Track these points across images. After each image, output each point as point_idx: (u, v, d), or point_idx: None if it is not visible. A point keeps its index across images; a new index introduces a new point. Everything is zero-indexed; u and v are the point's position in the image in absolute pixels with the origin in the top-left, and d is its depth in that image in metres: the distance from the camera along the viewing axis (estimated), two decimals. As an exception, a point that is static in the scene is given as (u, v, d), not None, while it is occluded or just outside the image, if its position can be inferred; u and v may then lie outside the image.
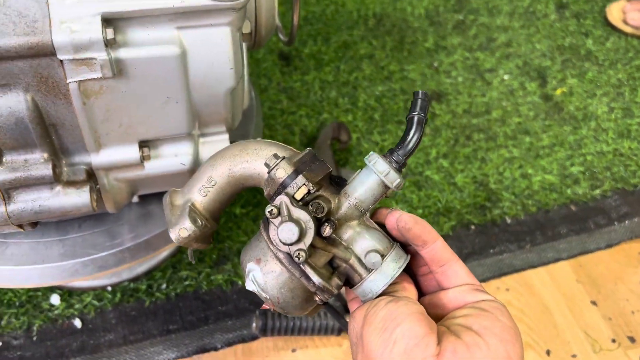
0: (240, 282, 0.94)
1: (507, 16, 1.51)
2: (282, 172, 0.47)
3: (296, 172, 0.47)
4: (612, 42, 1.42)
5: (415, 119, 0.48)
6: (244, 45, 0.64)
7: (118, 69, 0.53)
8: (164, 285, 0.91)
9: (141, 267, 0.89)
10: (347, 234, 0.48)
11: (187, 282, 0.92)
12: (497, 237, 1.04)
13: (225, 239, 0.99)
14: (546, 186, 1.12)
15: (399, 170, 0.48)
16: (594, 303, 0.96)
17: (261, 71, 1.31)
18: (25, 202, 0.56)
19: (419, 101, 0.48)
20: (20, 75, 0.51)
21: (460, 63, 1.37)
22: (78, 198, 0.57)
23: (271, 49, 1.37)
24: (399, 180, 0.47)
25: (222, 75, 0.57)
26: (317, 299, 0.47)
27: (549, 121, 1.24)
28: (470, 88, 1.31)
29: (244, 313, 0.90)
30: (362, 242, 0.47)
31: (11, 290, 0.87)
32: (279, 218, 0.44)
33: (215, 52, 0.55)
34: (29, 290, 0.87)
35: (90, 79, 0.52)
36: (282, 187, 0.47)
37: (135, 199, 0.69)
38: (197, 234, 0.50)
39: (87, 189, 0.57)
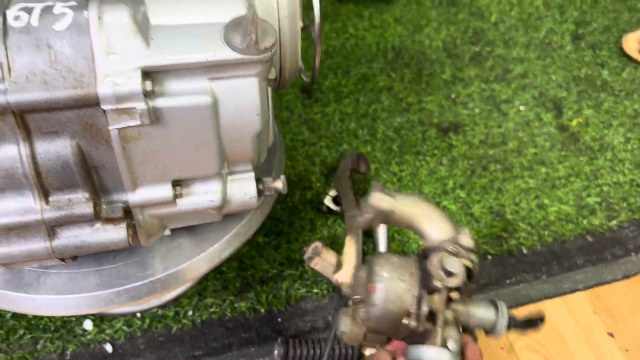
0: (262, 310, 0.97)
1: (523, 48, 1.54)
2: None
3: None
4: (628, 73, 1.44)
5: None
6: (269, 89, 0.69)
7: (155, 117, 0.57)
8: (190, 312, 0.95)
9: (169, 294, 0.93)
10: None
11: (212, 309, 0.96)
12: (514, 268, 1.06)
13: (249, 267, 1.03)
14: (562, 217, 1.13)
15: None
16: (610, 334, 0.97)
17: (283, 104, 1.36)
18: (68, 238, 0.61)
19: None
20: (67, 124, 0.56)
21: (477, 94, 1.40)
22: (116, 234, 0.62)
23: (293, 82, 1.42)
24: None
25: (250, 120, 0.61)
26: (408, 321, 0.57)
27: (565, 152, 1.26)
28: (487, 119, 1.34)
29: (266, 340, 0.93)
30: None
31: (47, 315, 0.92)
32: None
33: (243, 100, 0.60)
34: (63, 315, 0.92)
35: (130, 126, 0.57)
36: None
37: (167, 232, 0.74)
38: None
39: (124, 225, 0.62)
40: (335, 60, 1.49)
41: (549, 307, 1.00)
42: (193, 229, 0.78)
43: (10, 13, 0.54)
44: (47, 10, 0.54)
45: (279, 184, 0.72)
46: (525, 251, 1.09)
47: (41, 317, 0.92)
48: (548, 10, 1.65)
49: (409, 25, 1.63)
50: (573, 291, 1.02)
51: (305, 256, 0.94)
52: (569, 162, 1.24)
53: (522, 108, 1.37)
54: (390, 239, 1.09)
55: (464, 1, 1.72)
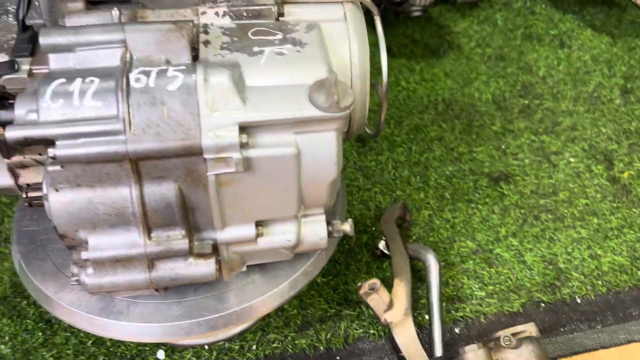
0: (321, 348, 1.02)
1: (571, 101, 1.59)
2: None
3: None
4: (680, 127, 1.46)
5: None
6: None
7: (247, 165, 0.66)
8: (254, 347, 1.01)
9: (236, 328, 1.00)
10: None
11: (274, 345, 1.02)
12: (568, 316, 1.08)
13: (309, 306, 1.08)
14: (616, 267, 1.15)
15: None
16: (669, 387, 0.97)
17: (340, 152, 1.44)
18: (165, 270, 0.69)
19: None
20: (173, 170, 0.65)
21: (527, 145, 1.45)
22: (206, 268, 0.69)
23: (349, 131, 1.50)
24: None
25: (328, 169, 0.69)
26: None
27: (616, 203, 1.28)
28: (537, 170, 1.38)
29: (325, 377, 0.98)
30: None
31: (123, 343, 0.99)
32: None
33: (323, 151, 0.68)
34: (139, 344, 0.99)
35: (225, 173, 0.65)
36: None
37: (243, 268, 0.81)
38: None
39: (213, 260, 0.69)
40: (389, 112, 1.57)
41: (604, 357, 1.01)
42: (265, 266, 0.85)
43: (132, 76, 0.64)
44: (161, 73, 0.64)
45: (347, 227, 0.79)
46: (579, 300, 1.10)
47: (119, 345, 0.99)
48: (596, 65, 1.69)
49: (458, 78, 1.71)
50: (629, 342, 1.02)
51: (362, 291, 0.99)
52: (621, 213, 1.26)
53: (572, 160, 1.40)
54: (443, 283, 1.13)
55: (512, 56, 1.79)
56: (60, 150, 0.60)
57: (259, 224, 0.73)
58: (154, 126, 0.62)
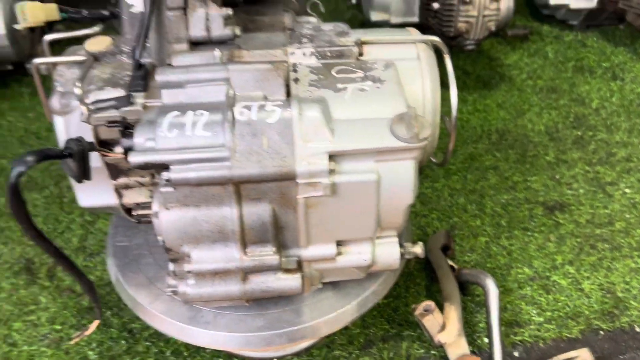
0: (384, 365, 1.07)
1: (625, 132, 1.61)
2: None
3: None
4: None
5: None
6: (414, 169, 0.83)
7: (333, 189, 0.73)
8: (321, 362, 1.07)
9: (304, 343, 1.06)
10: None
11: (339, 361, 1.07)
12: (627, 345, 1.09)
13: (371, 325, 1.14)
14: (676, 297, 1.16)
15: None
16: None
17: (397, 179, 1.50)
18: (257, 283, 0.76)
19: None
20: (268, 192, 0.73)
21: (581, 176, 1.48)
22: (292, 282, 0.76)
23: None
24: None
25: (405, 194, 0.75)
26: None
27: (675, 234, 1.29)
28: (592, 200, 1.40)
29: (389, 393, 1.02)
30: None
31: (199, 354, 1.07)
32: None
33: (401, 178, 0.74)
34: (213, 355, 1.06)
35: (313, 196, 0.73)
36: None
37: (319, 285, 0.87)
38: None
39: (298, 275, 0.76)
40: (444, 141, 1.62)
41: (666, 386, 1.02)
42: (337, 284, 0.91)
43: (236, 110, 0.72)
44: (261, 108, 0.73)
45: (418, 249, 0.85)
46: (638, 329, 1.12)
47: (194, 356, 1.07)
48: (650, 98, 1.71)
49: (511, 109, 1.76)
50: (691, 372, 1.03)
51: (417, 312, 1.04)
52: (680, 244, 1.27)
53: (627, 190, 1.42)
54: (502, 309, 1.16)
55: (564, 88, 1.83)
56: (174, 173, 0.69)
57: (339, 243, 0.79)
58: (255, 154, 0.70)
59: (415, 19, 1.89)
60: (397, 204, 0.77)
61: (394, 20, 1.89)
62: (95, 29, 0.90)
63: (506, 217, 1.38)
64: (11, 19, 1.83)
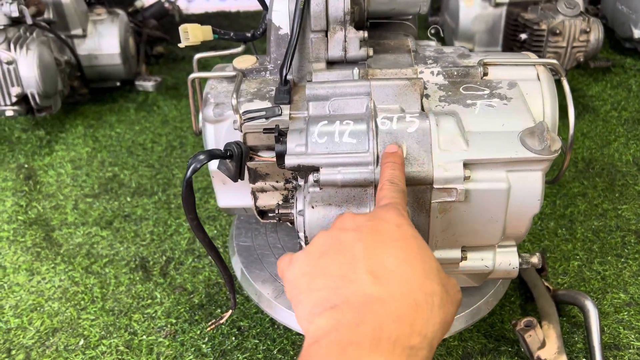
0: (484, 378, 1.09)
1: None
2: None
3: None
4: None
5: None
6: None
7: (466, 196, 0.78)
8: None
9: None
10: None
11: None
12: None
13: (468, 339, 1.16)
14: None
15: None
16: None
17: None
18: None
19: None
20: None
21: (675, 206, 1.47)
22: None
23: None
24: None
25: (532, 204, 0.80)
26: None
27: None
28: (689, 230, 1.39)
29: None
30: None
31: (303, 355, 1.12)
32: None
33: (530, 188, 0.79)
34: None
35: (446, 201, 0.78)
36: None
37: (436, 290, 0.92)
38: None
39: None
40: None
41: None
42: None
43: (379, 120, 0.79)
44: (401, 119, 0.79)
45: (535, 259, 0.88)
46: None
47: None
48: None
49: (596, 139, 1.77)
50: None
51: (518, 327, 1.06)
52: None
53: None
54: (601, 329, 1.17)
55: (651, 125, 1.82)
56: (323, 175, 0.77)
57: (463, 249, 0.84)
58: (395, 159, 0.77)
59: (498, 49, 1.94)
60: (524, 213, 0.81)
61: (477, 50, 1.95)
62: (239, 49, 1.01)
63: (598, 243, 1.39)
64: (124, 41, 2.00)
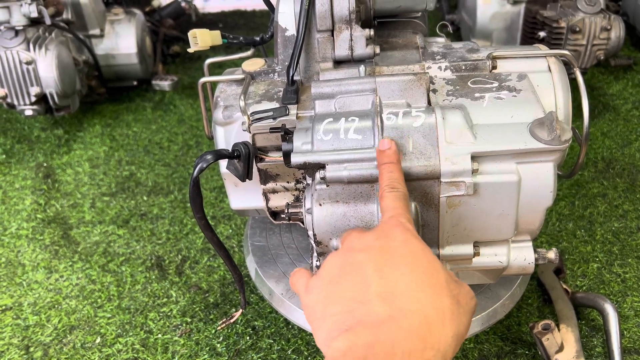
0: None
1: None
2: None
3: None
4: None
5: None
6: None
7: (475, 189, 0.77)
8: None
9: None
10: None
11: None
12: None
13: (484, 341, 1.14)
14: None
15: None
16: None
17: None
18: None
19: None
20: (412, 191, 0.78)
21: (700, 206, 1.43)
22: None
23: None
24: None
25: (544, 196, 0.78)
26: None
27: None
28: None
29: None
30: None
31: (319, 354, 1.11)
32: None
33: (541, 180, 0.77)
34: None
35: (455, 195, 0.77)
36: None
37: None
38: None
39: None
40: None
41: None
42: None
43: (384, 116, 0.79)
44: (406, 114, 0.79)
45: (552, 254, 0.86)
46: None
47: (314, 356, 1.12)
48: None
49: (617, 138, 1.73)
50: None
51: (535, 330, 1.04)
52: None
53: None
54: (621, 333, 1.14)
55: (675, 118, 1.78)
56: (329, 172, 0.76)
57: (475, 244, 0.83)
58: (401, 154, 0.76)
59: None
60: (536, 206, 0.79)
61: (495, 49, 1.93)
62: (248, 52, 1.01)
63: (618, 244, 1.35)
64: (141, 40, 2.03)
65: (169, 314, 1.21)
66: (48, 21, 1.64)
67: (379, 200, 0.68)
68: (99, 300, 1.26)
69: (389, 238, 0.59)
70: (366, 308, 0.52)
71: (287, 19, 0.93)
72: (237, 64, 0.98)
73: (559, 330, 1.07)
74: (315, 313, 0.58)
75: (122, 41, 1.94)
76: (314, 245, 0.82)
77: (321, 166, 0.77)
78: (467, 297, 0.57)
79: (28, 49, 1.63)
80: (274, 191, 0.93)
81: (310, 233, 0.81)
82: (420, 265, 0.56)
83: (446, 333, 0.52)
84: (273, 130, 0.83)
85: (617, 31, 1.67)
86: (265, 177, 0.91)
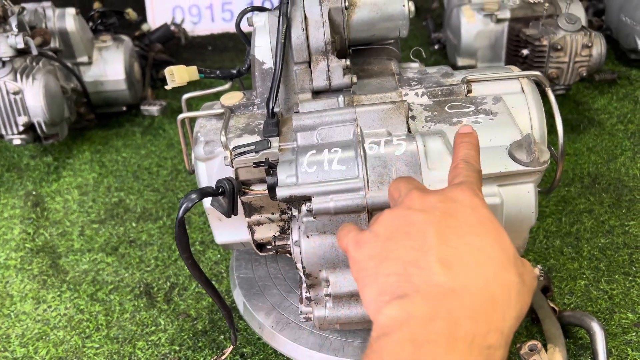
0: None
1: None
2: None
3: None
4: None
5: None
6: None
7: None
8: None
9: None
10: None
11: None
12: None
13: None
14: None
15: None
16: None
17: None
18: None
19: None
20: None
21: (684, 221, 1.44)
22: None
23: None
24: None
25: (527, 216, 0.80)
26: None
27: None
28: (699, 245, 1.36)
29: None
30: None
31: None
32: None
33: (523, 200, 0.79)
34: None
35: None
36: None
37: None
38: None
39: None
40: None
41: None
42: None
43: (366, 145, 0.80)
44: (388, 142, 0.80)
45: (536, 271, 0.87)
46: None
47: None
48: None
49: (602, 153, 1.75)
50: None
51: (522, 351, 1.04)
52: None
53: None
54: (608, 351, 1.14)
55: (658, 132, 1.80)
56: (315, 204, 0.77)
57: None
58: (386, 183, 0.77)
59: (501, 64, 1.94)
60: (520, 226, 0.81)
61: (480, 66, 1.95)
62: (226, 86, 1.02)
63: (605, 261, 1.36)
64: (130, 66, 2.04)
65: (157, 342, 1.20)
66: (35, 51, 1.64)
67: (449, 172, 0.61)
68: (87, 330, 1.25)
69: (456, 202, 0.52)
70: (425, 275, 0.47)
71: (263, 52, 0.94)
72: (216, 96, 1.00)
73: (546, 350, 1.08)
74: (366, 269, 0.52)
75: (110, 68, 1.95)
76: (303, 277, 0.82)
77: (307, 198, 0.78)
78: (530, 276, 0.51)
79: (15, 79, 1.63)
80: (259, 223, 0.94)
81: (299, 265, 0.82)
82: (488, 236, 0.49)
83: (511, 314, 0.46)
84: (256, 164, 0.84)
85: (599, 48, 1.69)
86: (250, 209, 0.92)
